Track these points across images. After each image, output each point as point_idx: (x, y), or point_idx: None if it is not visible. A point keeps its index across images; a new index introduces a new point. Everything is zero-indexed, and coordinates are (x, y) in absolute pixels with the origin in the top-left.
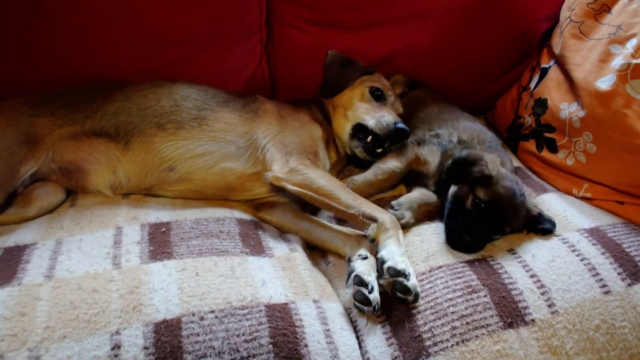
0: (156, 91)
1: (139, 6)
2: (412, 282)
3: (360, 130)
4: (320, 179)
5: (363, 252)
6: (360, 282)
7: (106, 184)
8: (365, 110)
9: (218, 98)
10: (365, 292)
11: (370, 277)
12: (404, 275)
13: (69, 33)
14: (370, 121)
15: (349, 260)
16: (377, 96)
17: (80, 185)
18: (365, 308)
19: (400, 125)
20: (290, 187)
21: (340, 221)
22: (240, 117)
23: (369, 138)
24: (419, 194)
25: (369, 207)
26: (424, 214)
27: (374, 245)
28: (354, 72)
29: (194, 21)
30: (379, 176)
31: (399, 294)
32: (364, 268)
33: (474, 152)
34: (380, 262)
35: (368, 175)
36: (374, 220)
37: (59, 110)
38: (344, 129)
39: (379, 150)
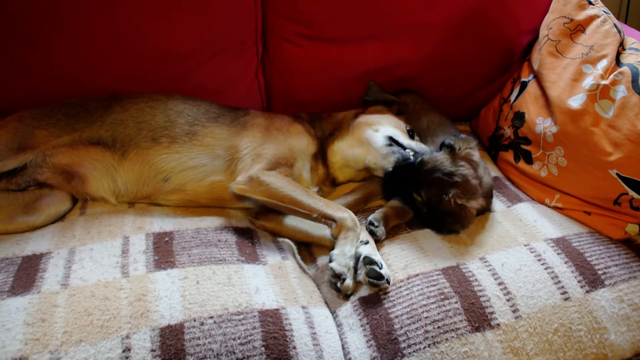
0: (153, 105)
1: (138, 25)
2: (347, 283)
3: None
4: (283, 187)
5: (363, 237)
6: (371, 261)
7: (107, 190)
8: (400, 134)
9: (209, 114)
10: (377, 268)
11: (377, 257)
12: (340, 277)
13: (75, 51)
14: (406, 141)
15: None
16: (410, 135)
17: (82, 191)
18: (380, 282)
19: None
20: (255, 197)
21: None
22: (228, 131)
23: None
24: (391, 209)
25: (329, 209)
26: (392, 227)
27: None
28: (389, 97)
29: (191, 38)
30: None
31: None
32: (370, 250)
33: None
34: (329, 260)
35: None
36: (333, 220)
37: (60, 122)
38: (374, 139)
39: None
